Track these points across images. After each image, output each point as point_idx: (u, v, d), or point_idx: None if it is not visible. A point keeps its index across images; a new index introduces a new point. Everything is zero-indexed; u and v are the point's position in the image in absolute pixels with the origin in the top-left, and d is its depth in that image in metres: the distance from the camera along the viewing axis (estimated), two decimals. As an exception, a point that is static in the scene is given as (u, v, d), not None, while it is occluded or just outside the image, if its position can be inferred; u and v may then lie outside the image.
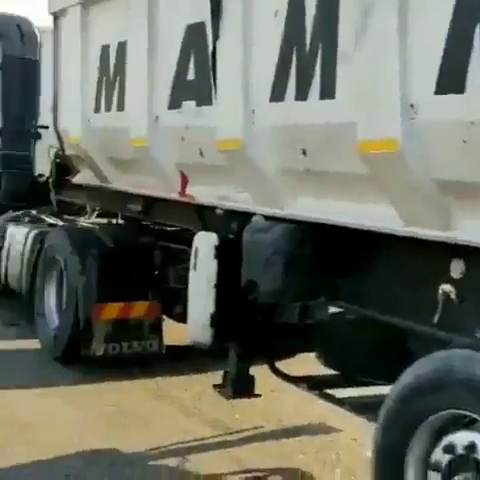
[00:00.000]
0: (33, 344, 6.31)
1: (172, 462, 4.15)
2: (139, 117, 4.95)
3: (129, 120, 5.14)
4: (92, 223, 7.29)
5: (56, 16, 6.36)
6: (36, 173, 8.35)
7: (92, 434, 4.45)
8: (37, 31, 8.14)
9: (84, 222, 7.45)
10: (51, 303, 6.34)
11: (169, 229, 5.99)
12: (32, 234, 6.97)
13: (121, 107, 5.29)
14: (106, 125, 5.55)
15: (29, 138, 8.28)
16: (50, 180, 7.53)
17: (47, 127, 8.22)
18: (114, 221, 7.16)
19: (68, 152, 6.50)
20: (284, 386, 4.47)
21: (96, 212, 7.73)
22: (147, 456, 4.19)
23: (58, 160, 7.47)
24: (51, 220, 7.56)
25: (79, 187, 6.79)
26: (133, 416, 4.84)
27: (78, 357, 5.63)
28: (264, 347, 4.46)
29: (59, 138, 6.48)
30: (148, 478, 3.96)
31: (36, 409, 4.86)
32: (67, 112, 6.26)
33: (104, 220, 7.46)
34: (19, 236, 7.25)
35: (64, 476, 3.79)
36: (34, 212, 7.95)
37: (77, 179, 6.65)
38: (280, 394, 5.04)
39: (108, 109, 5.47)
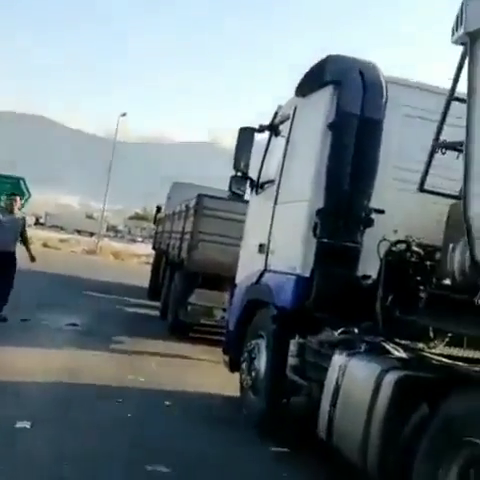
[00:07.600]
0: None
1: None
2: None
3: None
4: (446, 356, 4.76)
5: (473, 37, 3.93)
6: (358, 273, 6.06)
7: None
8: (384, 81, 5.90)
9: (434, 354, 4.88)
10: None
11: None
12: (391, 380, 4.40)
13: None
14: None
15: (358, 224, 6.00)
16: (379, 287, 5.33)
17: (383, 211, 5.97)
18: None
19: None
20: None
21: (446, 340, 5.25)
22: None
23: (390, 258, 5.38)
24: (395, 351, 5.04)
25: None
26: None
27: None
28: None
29: (468, 232, 3.89)
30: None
31: None
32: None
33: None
34: (361, 376, 4.77)
35: None
36: (356, 331, 5.59)
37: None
38: None
39: None
